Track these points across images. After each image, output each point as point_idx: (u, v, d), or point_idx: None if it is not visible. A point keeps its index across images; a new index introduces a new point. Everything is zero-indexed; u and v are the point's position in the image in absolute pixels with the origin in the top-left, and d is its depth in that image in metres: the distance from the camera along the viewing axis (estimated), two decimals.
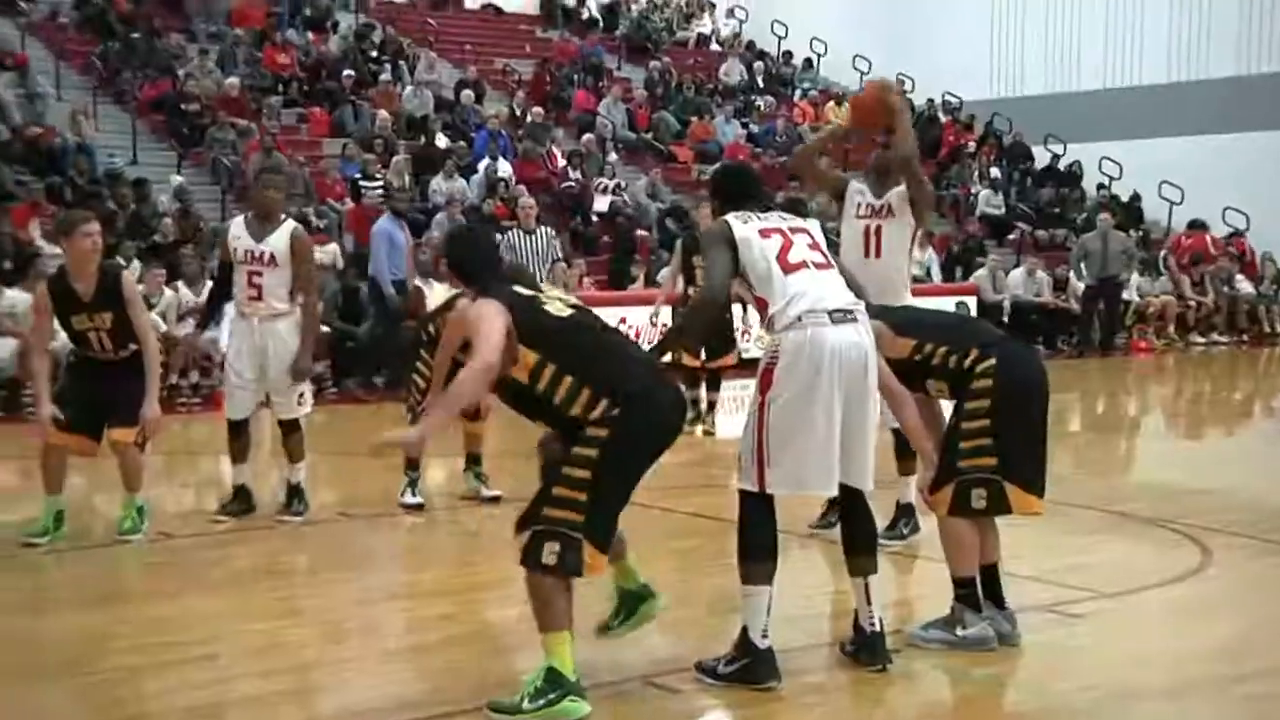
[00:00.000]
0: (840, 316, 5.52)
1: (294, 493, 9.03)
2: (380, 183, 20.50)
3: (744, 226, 5.70)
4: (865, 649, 5.80)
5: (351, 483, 11.11)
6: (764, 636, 5.51)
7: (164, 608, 7.18)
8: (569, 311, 5.52)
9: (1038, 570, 7.45)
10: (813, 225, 5.98)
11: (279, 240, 8.84)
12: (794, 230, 5.76)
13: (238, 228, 9.07)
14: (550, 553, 5.16)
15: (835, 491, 5.76)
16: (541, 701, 5.15)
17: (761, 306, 5.63)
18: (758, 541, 5.60)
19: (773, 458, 5.50)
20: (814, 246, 5.73)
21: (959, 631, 6.09)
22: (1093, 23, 29.08)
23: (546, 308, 5.46)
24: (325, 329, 16.25)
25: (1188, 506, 9.34)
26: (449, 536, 9.39)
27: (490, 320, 5.20)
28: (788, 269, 5.58)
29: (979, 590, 6.12)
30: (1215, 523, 8.73)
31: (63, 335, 8.81)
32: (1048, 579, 7.30)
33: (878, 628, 5.78)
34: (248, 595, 7.60)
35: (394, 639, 6.71)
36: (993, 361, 6.01)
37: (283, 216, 9.15)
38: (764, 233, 5.68)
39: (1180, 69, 27.80)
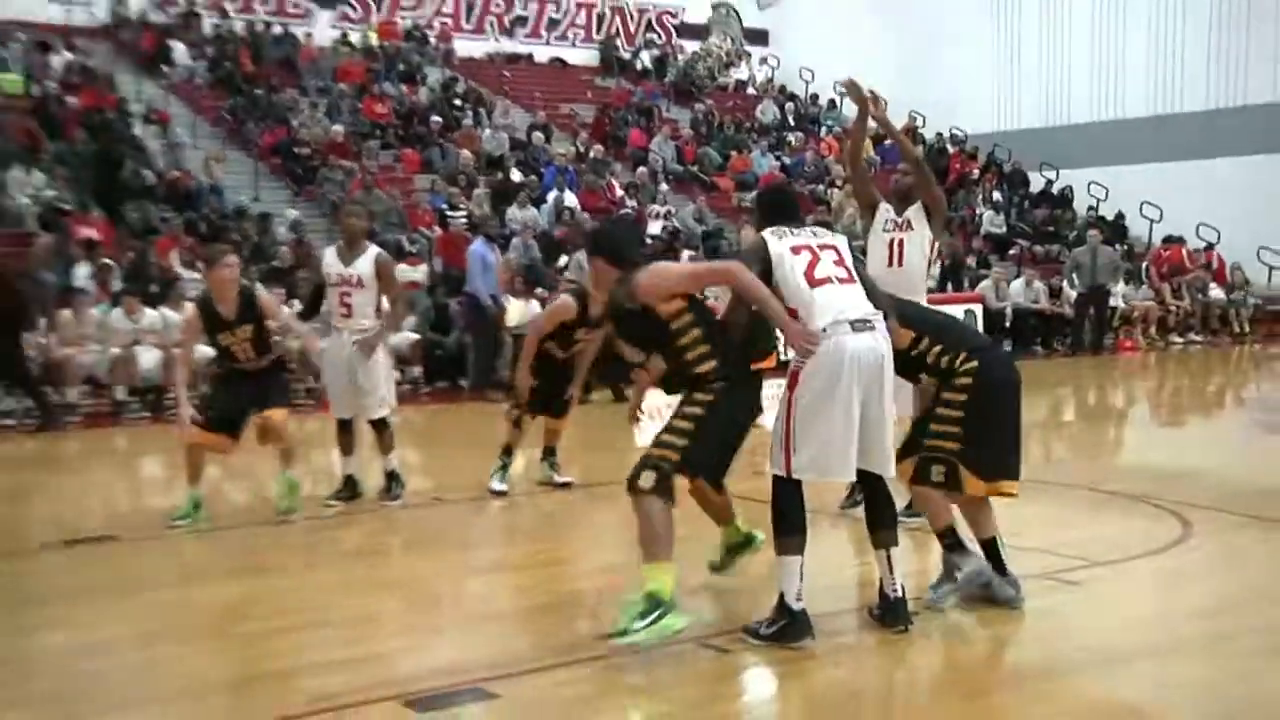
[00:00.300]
0: (860, 325, 5.51)
1: (391, 478, 9.05)
2: (464, 212, 20.57)
3: (778, 243, 5.70)
4: (889, 613, 5.79)
5: (442, 471, 11.14)
6: (798, 600, 5.54)
7: (286, 580, 7.28)
8: None
9: (1039, 543, 7.33)
10: (840, 241, 5.91)
11: (365, 264, 8.85)
12: (822, 247, 5.74)
13: (330, 255, 9.13)
14: (649, 479, 5.49)
15: (853, 477, 5.79)
16: (647, 620, 5.33)
17: (791, 314, 5.57)
18: (789, 518, 5.62)
19: (798, 447, 5.54)
20: (839, 262, 5.70)
21: (958, 575, 6.11)
22: (1081, 64, 28.86)
23: None
24: (416, 337, 16.37)
25: (1170, 486, 9.20)
26: (527, 518, 9.33)
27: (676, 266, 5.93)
28: (814, 284, 5.58)
29: (958, 537, 6.13)
30: (1195, 499, 8.60)
31: (202, 348, 8.97)
32: (1048, 550, 7.18)
33: (900, 594, 5.78)
34: (354, 570, 7.65)
35: (479, 607, 6.69)
36: (976, 364, 5.99)
37: (366, 243, 9.14)
38: (795, 249, 5.67)
39: (1158, 104, 27.61)
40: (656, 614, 5.38)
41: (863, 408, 5.52)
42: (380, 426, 9.04)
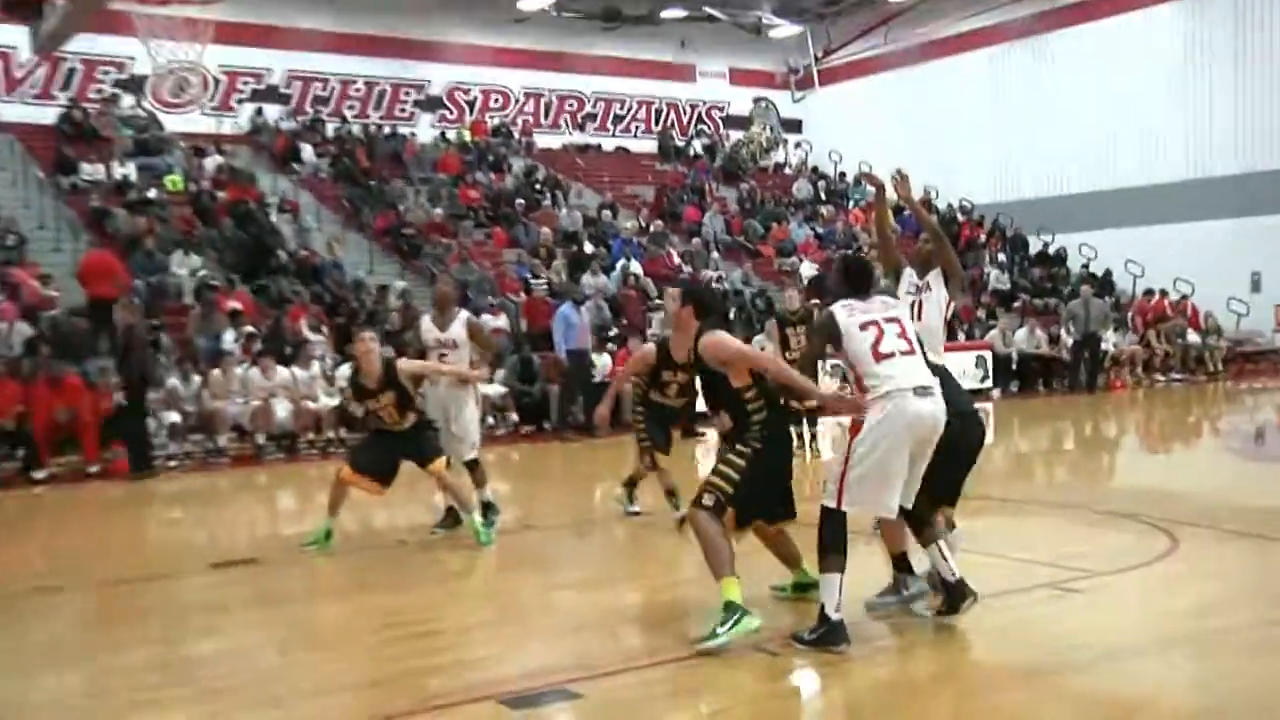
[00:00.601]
0: (921, 391, 5.60)
1: (487, 508, 8.96)
2: (544, 280, 20.76)
3: (848, 319, 5.74)
4: (952, 593, 5.83)
5: (530, 501, 11.16)
6: (837, 611, 5.54)
7: (400, 597, 7.29)
8: None
9: (1045, 557, 7.31)
10: (903, 312, 5.95)
11: (458, 328, 8.86)
12: (888, 320, 5.76)
13: (427, 323, 9.10)
14: (707, 498, 5.77)
15: (894, 515, 5.78)
16: (728, 625, 5.53)
17: (857, 378, 5.68)
18: (832, 541, 5.63)
19: (850, 487, 5.62)
20: (902, 334, 5.73)
21: (904, 591, 6.20)
22: (1072, 142, 28.58)
23: None
24: (505, 390, 16.49)
25: (1158, 505, 9.03)
26: (604, 542, 9.30)
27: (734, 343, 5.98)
28: (879, 358, 5.63)
29: (906, 561, 6.22)
30: (1180, 517, 8.45)
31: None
32: (1053, 563, 7.11)
33: (956, 576, 5.83)
34: (457, 586, 7.72)
35: (564, 619, 6.64)
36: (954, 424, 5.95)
37: (456, 309, 9.12)
38: (863, 326, 5.70)
39: (1140, 176, 27.37)
40: (735, 618, 5.55)
41: (912, 459, 5.62)
42: (472, 466, 9.01)
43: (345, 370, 14.92)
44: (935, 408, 5.63)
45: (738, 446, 5.89)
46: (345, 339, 17.01)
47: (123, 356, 13.73)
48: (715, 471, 5.89)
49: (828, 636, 5.53)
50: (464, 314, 9.16)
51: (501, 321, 18.30)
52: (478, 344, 9.00)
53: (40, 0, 8.11)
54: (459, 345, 8.86)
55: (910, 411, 5.54)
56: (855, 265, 6.20)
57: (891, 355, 5.64)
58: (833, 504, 5.65)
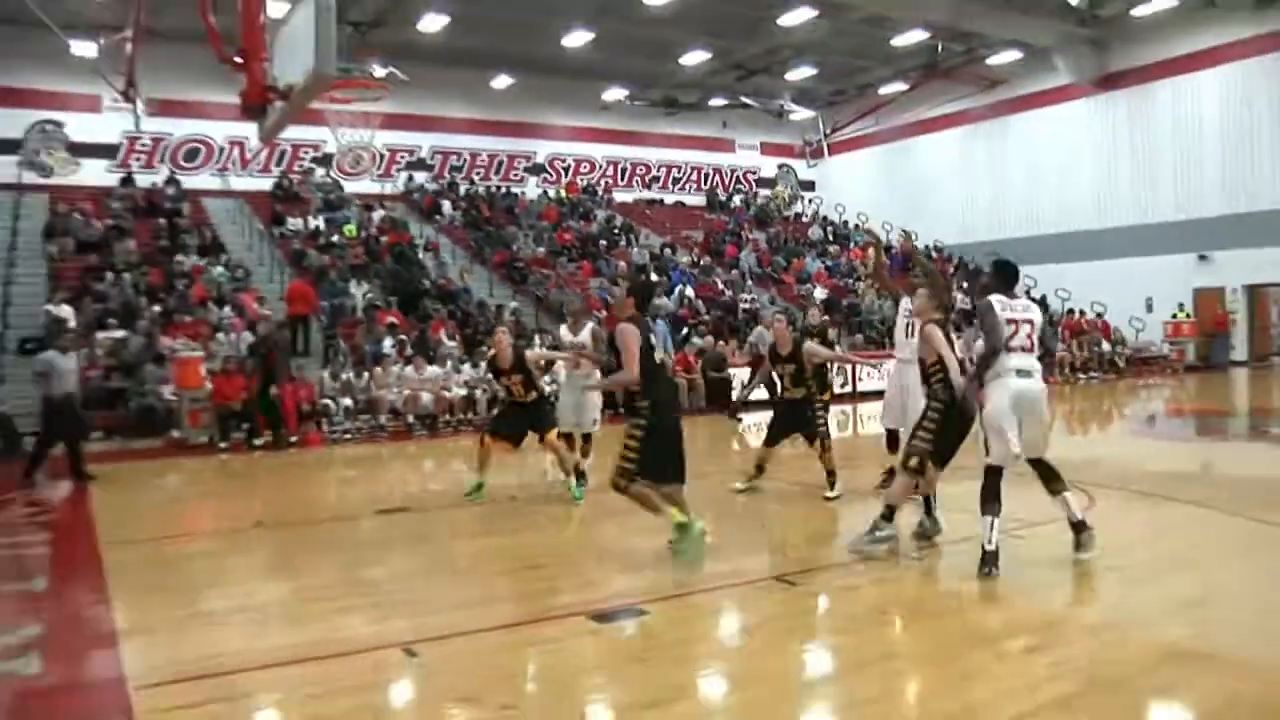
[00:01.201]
0: (1024, 374, 5.60)
1: (580, 475, 8.54)
2: (577, 293, 20.77)
3: (1000, 312, 5.65)
4: (1079, 533, 5.73)
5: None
6: (991, 544, 5.49)
7: (514, 538, 7.21)
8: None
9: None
10: (1036, 315, 5.79)
11: (585, 334, 8.75)
12: (1024, 320, 5.68)
13: (564, 329, 8.98)
14: (620, 480, 5.84)
15: (1014, 465, 5.67)
16: (686, 538, 5.84)
17: (985, 361, 5.61)
18: (989, 492, 5.59)
19: (990, 443, 5.67)
20: (1030, 335, 5.65)
21: (877, 534, 6.05)
22: (1016, 199, 28.51)
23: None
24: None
25: (1080, 471, 8.75)
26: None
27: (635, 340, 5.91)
28: (1010, 351, 5.60)
29: (892, 512, 6.08)
30: (1095, 480, 8.29)
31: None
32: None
33: (1081, 518, 5.74)
34: (558, 532, 7.63)
35: (639, 556, 6.43)
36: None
37: (586, 320, 8.99)
38: (1009, 321, 5.62)
39: (1060, 224, 27.44)
40: (687, 531, 5.78)
41: (1024, 424, 5.58)
42: (586, 439, 8.81)
43: (410, 371, 15.04)
44: (1034, 383, 5.60)
45: (631, 430, 5.88)
46: (473, 345, 17.18)
47: (264, 357, 13.76)
48: (620, 454, 5.86)
49: (986, 561, 5.47)
50: (591, 324, 8.98)
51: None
52: (597, 347, 8.82)
53: (265, 104, 8.27)
54: (586, 347, 8.71)
55: (1014, 388, 5.52)
56: (1004, 267, 5.94)
57: (1019, 349, 5.59)
58: (991, 461, 5.60)
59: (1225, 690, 3.91)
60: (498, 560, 6.53)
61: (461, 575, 6.18)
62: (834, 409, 12.41)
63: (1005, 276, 5.87)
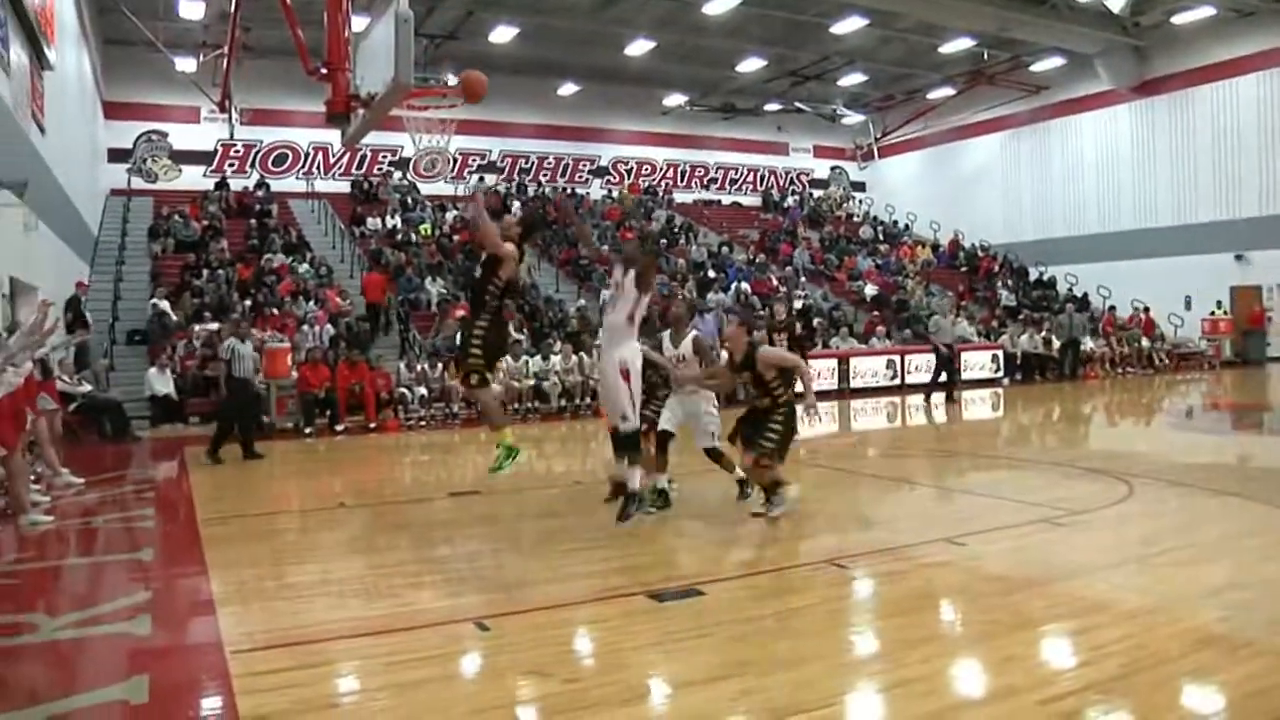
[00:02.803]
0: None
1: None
2: (681, 296, 20.64)
3: None
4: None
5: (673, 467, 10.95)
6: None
7: (578, 520, 7.15)
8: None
9: (1038, 500, 7.06)
10: None
11: (686, 345, 7.45)
12: None
13: (666, 338, 7.56)
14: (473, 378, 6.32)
15: None
16: (508, 459, 6.31)
17: None
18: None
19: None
20: None
21: (774, 501, 6.58)
22: (1060, 200, 27.97)
23: None
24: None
25: (1119, 462, 8.67)
26: (723, 491, 9.15)
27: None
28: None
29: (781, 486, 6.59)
30: (1134, 471, 8.12)
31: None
32: (1043, 504, 6.88)
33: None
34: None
35: (695, 541, 6.52)
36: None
37: (688, 329, 7.56)
38: None
39: (1105, 224, 26.82)
40: (512, 455, 6.27)
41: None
42: (711, 452, 7.54)
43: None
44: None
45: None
46: (540, 338, 17.31)
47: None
48: (465, 360, 6.27)
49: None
50: (694, 333, 7.54)
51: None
52: (703, 358, 7.42)
53: (348, 112, 8.44)
54: (686, 360, 7.39)
55: None
56: None
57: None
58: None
59: (1259, 675, 3.80)
60: (562, 541, 6.51)
61: (528, 554, 6.20)
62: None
63: None
